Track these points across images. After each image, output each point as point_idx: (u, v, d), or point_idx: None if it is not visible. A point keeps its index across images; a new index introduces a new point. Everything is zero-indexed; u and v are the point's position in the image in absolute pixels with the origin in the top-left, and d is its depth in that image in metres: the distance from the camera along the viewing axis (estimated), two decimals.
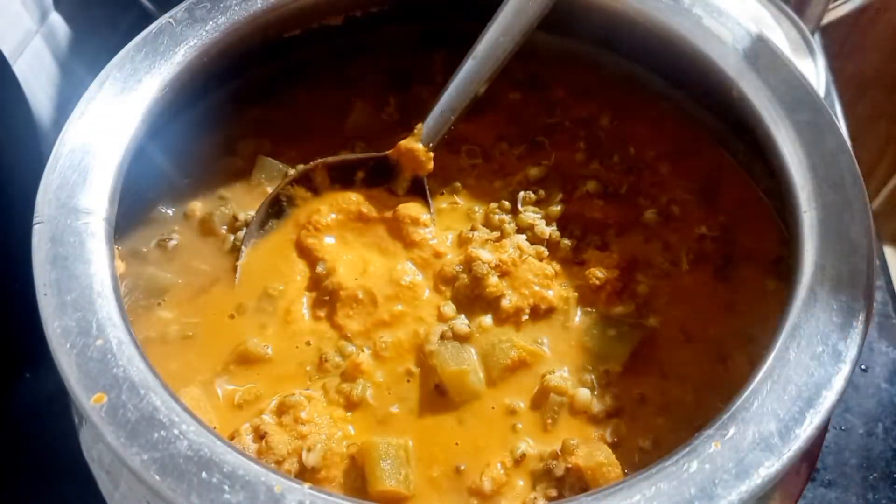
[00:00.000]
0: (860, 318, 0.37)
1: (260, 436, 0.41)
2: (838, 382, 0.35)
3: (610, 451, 0.41)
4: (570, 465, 0.40)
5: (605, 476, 0.39)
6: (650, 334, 0.45)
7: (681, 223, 0.50)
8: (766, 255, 0.47)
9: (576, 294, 0.47)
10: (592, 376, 0.44)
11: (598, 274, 0.47)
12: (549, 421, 0.42)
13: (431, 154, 0.50)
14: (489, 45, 0.49)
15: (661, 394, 0.43)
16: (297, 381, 0.44)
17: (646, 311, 0.46)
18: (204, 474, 0.32)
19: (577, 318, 0.46)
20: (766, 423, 0.34)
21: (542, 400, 0.43)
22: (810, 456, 0.42)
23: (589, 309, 0.46)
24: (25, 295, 0.37)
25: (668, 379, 0.44)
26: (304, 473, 0.40)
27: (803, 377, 0.35)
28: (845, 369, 0.36)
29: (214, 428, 0.37)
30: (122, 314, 0.37)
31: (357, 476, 0.41)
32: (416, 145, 0.50)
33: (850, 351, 0.36)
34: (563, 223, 0.50)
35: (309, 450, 0.40)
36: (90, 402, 0.34)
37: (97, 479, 0.41)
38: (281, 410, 0.42)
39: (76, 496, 0.49)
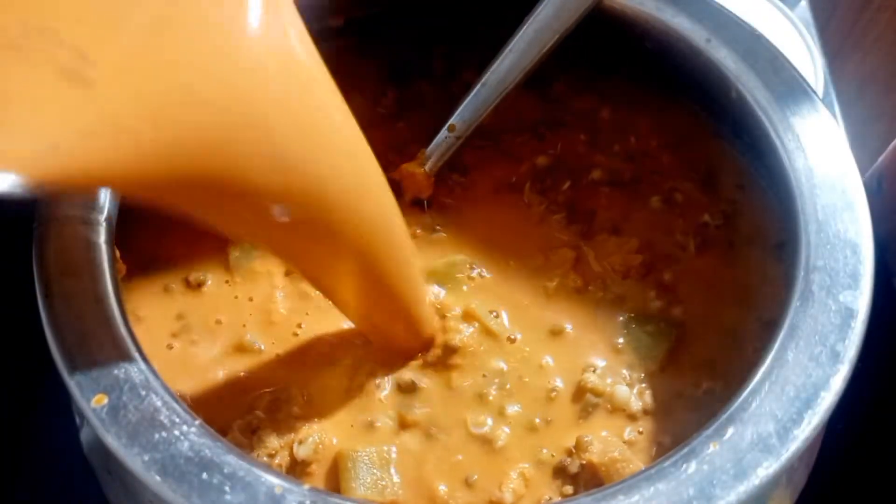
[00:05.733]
0: (858, 318, 0.37)
1: (252, 430, 0.41)
2: (836, 383, 0.35)
3: (625, 446, 0.41)
4: (584, 462, 0.40)
5: (619, 472, 0.39)
6: (683, 329, 0.45)
7: (685, 209, 0.50)
8: (768, 241, 0.47)
9: (600, 281, 0.47)
10: (629, 373, 0.44)
11: (620, 260, 0.47)
12: (581, 420, 0.42)
13: (433, 178, 0.50)
14: (499, 75, 0.49)
15: (695, 387, 0.43)
16: (291, 376, 0.44)
17: (670, 299, 0.46)
18: (205, 475, 0.33)
19: (603, 310, 0.46)
20: (764, 424, 0.34)
21: (579, 396, 0.43)
22: (809, 456, 0.42)
23: (613, 296, 0.47)
24: (26, 294, 0.38)
25: (700, 370, 0.44)
26: (296, 466, 0.40)
27: (801, 378, 0.36)
28: (843, 370, 0.36)
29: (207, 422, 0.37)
30: (122, 315, 0.37)
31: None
32: (418, 169, 0.50)
33: (849, 352, 0.36)
34: (573, 210, 0.50)
35: (300, 443, 0.41)
36: (91, 403, 0.34)
37: (98, 479, 0.41)
38: (274, 406, 0.42)
39: (77, 496, 0.49)
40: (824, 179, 0.42)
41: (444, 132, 0.50)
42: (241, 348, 0.45)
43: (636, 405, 0.42)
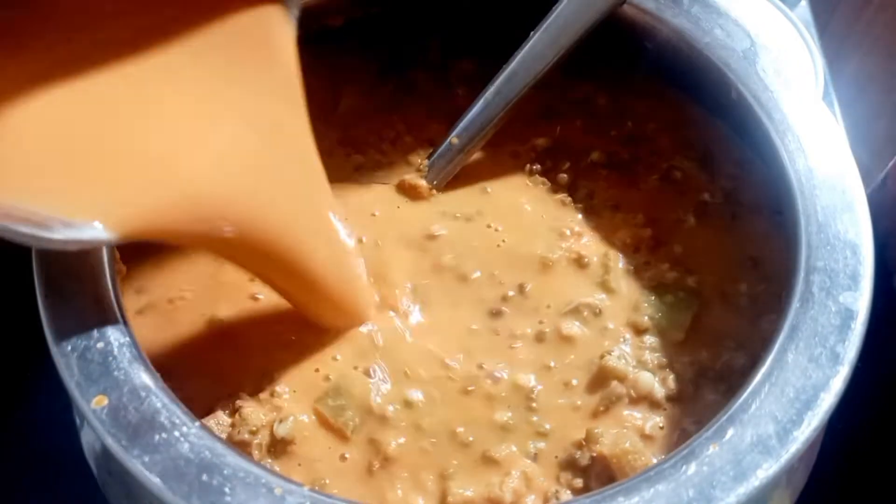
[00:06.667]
0: (858, 319, 0.37)
1: (234, 410, 0.41)
2: (836, 385, 0.35)
3: (637, 438, 0.40)
4: (594, 454, 0.40)
5: (631, 465, 0.39)
6: (702, 299, 0.45)
7: (684, 186, 0.50)
8: (769, 208, 0.48)
9: (616, 252, 0.47)
10: (650, 355, 0.43)
11: (629, 234, 0.47)
12: (602, 408, 0.42)
13: (434, 192, 0.50)
14: (503, 91, 0.49)
15: (715, 359, 0.43)
16: (274, 357, 0.44)
17: (683, 270, 0.46)
18: (205, 476, 0.33)
19: (619, 284, 0.46)
20: (764, 426, 0.34)
21: (598, 384, 0.43)
22: (809, 457, 0.42)
23: (627, 270, 0.47)
24: (26, 294, 0.38)
25: (719, 341, 0.44)
26: (276, 445, 0.40)
27: (801, 379, 0.36)
28: (843, 371, 0.36)
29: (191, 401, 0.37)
30: (122, 316, 0.37)
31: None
32: (420, 182, 0.50)
33: (849, 353, 0.36)
34: (574, 190, 0.50)
35: (281, 421, 0.41)
36: (91, 404, 0.34)
37: (98, 479, 0.41)
38: (257, 387, 0.42)
39: (77, 496, 0.49)
40: (824, 180, 0.42)
41: (446, 144, 0.50)
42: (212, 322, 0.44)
43: (659, 392, 0.42)
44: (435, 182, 0.50)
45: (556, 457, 0.41)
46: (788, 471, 0.34)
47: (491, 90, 0.49)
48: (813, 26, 0.75)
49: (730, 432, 0.34)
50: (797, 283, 0.38)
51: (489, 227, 0.49)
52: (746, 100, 0.45)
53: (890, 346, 0.53)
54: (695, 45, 0.48)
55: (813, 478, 0.42)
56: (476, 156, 0.51)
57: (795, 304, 0.38)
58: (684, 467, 0.33)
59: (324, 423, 0.41)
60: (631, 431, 0.41)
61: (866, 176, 0.42)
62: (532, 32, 0.48)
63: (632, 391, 0.42)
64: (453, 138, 0.49)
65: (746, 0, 0.71)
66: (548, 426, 0.41)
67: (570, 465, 0.40)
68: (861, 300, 0.38)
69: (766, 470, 0.33)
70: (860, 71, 0.75)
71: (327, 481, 0.40)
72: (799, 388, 0.35)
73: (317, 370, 0.43)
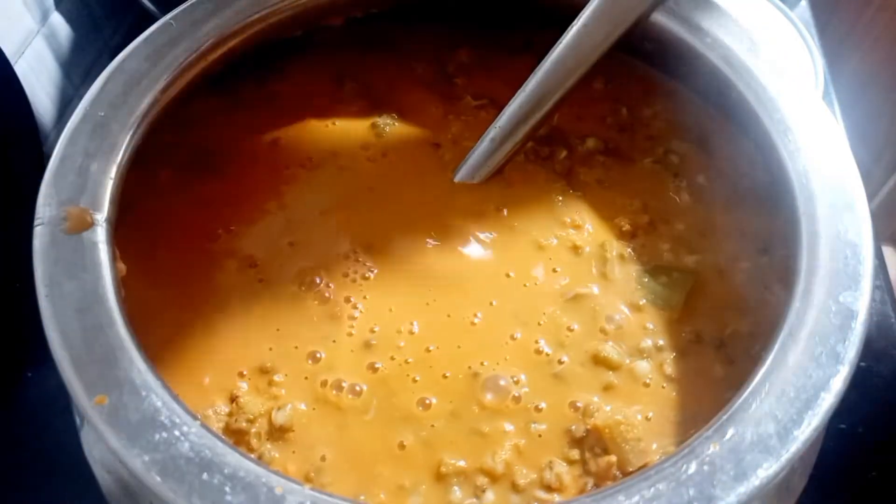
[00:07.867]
0: (859, 319, 0.37)
1: (232, 399, 0.41)
2: (837, 384, 0.35)
3: (629, 411, 0.41)
4: (588, 427, 0.40)
5: (622, 436, 0.40)
6: (698, 277, 0.46)
7: (681, 169, 0.51)
8: (762, 194, 0.48)
9: (613, 239, 0.48)
10: (645, 341, 0.44)
11: (627, 220, 0.48)
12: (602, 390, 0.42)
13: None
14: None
15: (722, 329, 0.44)
16: (271, 346, 0.44)
17: (682, 250, 0.47)
18: (205, 476, 0.33)
19: (617, 269, 0.47)
20: (764, 425, 0.34)
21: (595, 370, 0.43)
22: (809, 457, 0.42)
23: (625, 254, 0.47)
24: (27, 294, 0.38)
25: (727, 312, 0.44)
26: (274, 433, 0.41)
27: (801, 379, 0.36)
28: (844, 371, 0.36)
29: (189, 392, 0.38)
30: (122, 315, 0.37)
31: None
32: None
33: (849, 353, 0.36)
34: (571, 176, 0.51)
35: (279, 409, 0.41)
36: (91, 403, 0.34)
37: (98, 479, 0.41)
38: (255, 376, 0.42)
39: (77, 496, 0.49)
40: (824, 180, 0.42)
41: (485, 140, 0.49)
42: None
43: (656, 379, 0.42)
44: (475, 176, 0.50)
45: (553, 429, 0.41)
46: (789, 470, 0.34)
47: (531, 84, 0.48)
48: (813, 26, 0.75)
49: (730, 432, 0.34)
50: (797, 283, 0.38)
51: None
52: (746, 100, 0.45)
53: (890, 346, 0.53)
54: (695, 45, 0.48)
55: (813, 478, 0.42)
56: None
57: (795, 303, 0.38)
58: (685, 466, 0.33)
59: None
60: (626, 408, 0.41)
61: (866, 176, 0.42)
62: (571, 25, 0.47)
63: (628, 380, 0.42)
64: (490, 134, 0.49)
65: (746, 0, 0.71)
66: (544, 405, 0.42)
67: (566, 434, 0.41)
68: (861, 300, 0.38)
69: (767, 469, 0.33)
70: (860, 71, 0.75)
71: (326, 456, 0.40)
72: (799, 387, 0.35)
73: (314, 358, 0.43)
